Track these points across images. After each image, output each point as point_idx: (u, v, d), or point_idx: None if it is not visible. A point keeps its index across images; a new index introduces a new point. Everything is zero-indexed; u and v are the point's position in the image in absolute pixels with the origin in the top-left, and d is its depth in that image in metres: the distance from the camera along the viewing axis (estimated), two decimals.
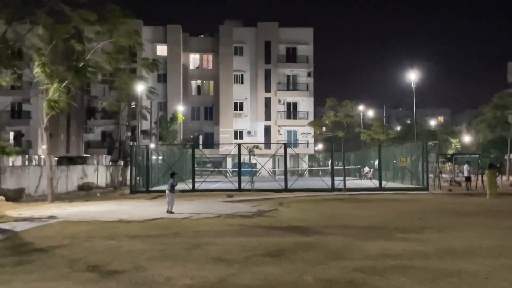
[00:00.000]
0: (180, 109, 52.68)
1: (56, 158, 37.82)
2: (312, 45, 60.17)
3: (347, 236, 10.87)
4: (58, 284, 6.96)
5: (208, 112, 60.83)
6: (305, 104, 59.89)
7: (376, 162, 38.52)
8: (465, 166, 29.57)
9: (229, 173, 45.62)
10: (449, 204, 19.07)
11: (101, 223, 13.49)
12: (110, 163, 38.87)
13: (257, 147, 28.70)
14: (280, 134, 59.22)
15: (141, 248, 9.61)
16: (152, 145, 34.13)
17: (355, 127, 43.61)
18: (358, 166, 43.27)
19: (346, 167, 31.85)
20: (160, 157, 33.86)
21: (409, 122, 76.33)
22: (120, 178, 35.48)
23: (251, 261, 8.15)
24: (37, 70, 18.72)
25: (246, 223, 13.34)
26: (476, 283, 6.71)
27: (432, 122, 75.33)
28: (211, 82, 61.02)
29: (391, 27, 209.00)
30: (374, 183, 30.05)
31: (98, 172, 33.27)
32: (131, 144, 32.21)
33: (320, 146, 65.58)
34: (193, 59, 61.45)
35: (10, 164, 31.36)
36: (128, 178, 30.82)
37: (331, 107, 31.38)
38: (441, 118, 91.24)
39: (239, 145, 28.62)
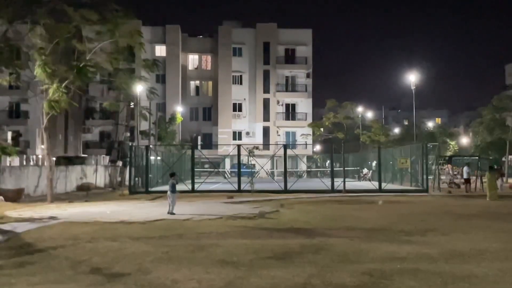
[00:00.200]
0: (179, 109, 52.55)
1: (54, 158, 37.64)
2: (311, 46, 60.20)
3: (352, 238, 10.81)
4: (63, 287, 6.87)
5: (207, 112, 60.76)
6: (304, 105, 59.89)
7: (374, 164, 38.62)
8: (465, 168, 29.54)
9: (228, 174, 45.52)
10: (450, 206, 19.04)
11: (103, 224, 13.39)
12: (109, 164, 38.72)
13: (257, 148, 28.64)
14: (279, 135, 59.21)
15: (144, 250, 9.52)
16: (151, 146, 33.99)
17: (354, 129, 43.59)
18: (357, 168, 43.26)
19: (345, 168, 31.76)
20: (159, 158, 33.75)
21: (406, 124, 76.45)
22: (119, 179, 35.35)
23: (257, 264, 8.07)
24: (38, 70, 18.61)
25: (249, 225, 13.26)
26: (486, 287, 6.65)
27: (430, 124, 75.43)
28: (210, 83, 60.95)
29: (389, 29, 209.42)
30: (374, 184, 30.01)
31: (97, 173, 33.13)
32: (130, 144, 32.06)
33: (318, 148, 65.50)
34: (192, 60, 61.38)
35: (8, 164, 31.18)
36: (127, 178, 30.71)
37: (331, 109, 31.34)
38: (438, 120, 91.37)
39: (239, 146, 28.55)
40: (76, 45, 20.07)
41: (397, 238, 10.94)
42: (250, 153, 27.70)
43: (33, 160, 39.89)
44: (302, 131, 57.36)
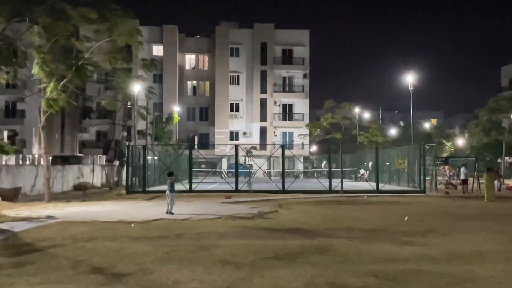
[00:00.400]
0: (176, 109, 52.47)
1: (50, 158, 37.48)
2: (308, 47, 60.18)
3: (352, 239, 10.78)
4: (63, 287, 6.80)
5: (204, 112, 60.67)
6: (301, 105, 59.90)
7: (370, 164, 38.62)
8: (462, 169, 29.59)
9: (224, 174, 45.47)
10: (448, 207, 19.05)
11: (101, 224, 13.31)
12: (106, 163, 38.59)
13: (254, 148, 28.57)
14: (276, 136, 59.19)
15: (144, 250, 9.46)
16: (148, 146, 33.90)
17: (351, 129, 43.57)
18: (354, 168, 43.27)
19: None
20: (156, 158, 33.65)
21: (402, 124, 76.61)
22: (116, 178, 35.23)
23: (259, 265, 8.02)
24: (35, 68, 18.49)
25: (248, 225, 13.21)
26: None
27: (426, 125, 75.63)
28: (207, 83, 60.87)
29: (385, 30, 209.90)
30: (371, 185, 30.01)
31: (94, 172, 33.00)
32: (127, 144, 31.96)
33: (314, 148, 65.53)
34: (189, 60, 61.27)
35: (4, 163, 30.99)
36: (124, 178, 30.60)
37: (329, 109, 31.29)
38: (434, 121, 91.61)
39: (236, 146, 28.48)
40: (76, 44, 19.94)
41: (398, 239, 10.91)
42: (248, 153, 27.64)
43: (29, 159, 39.68)
44: (299, 132, 57.43)
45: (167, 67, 58.31)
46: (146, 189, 27.73)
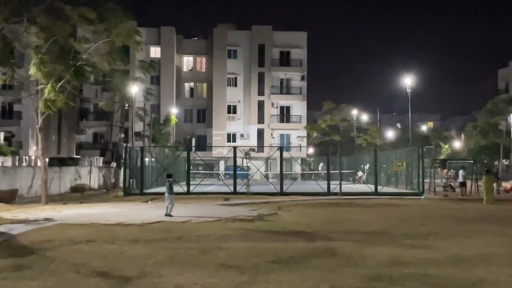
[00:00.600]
0: (173, 111, 52.29)
1: (47, 159, 37.28)
2: (306, 49, 60.12)
3: (354, 242, 10.67)
4: None
5: (201, 114, 60.49)
6: (298, 107, 59.73)
7: (367, 166, 38.58)
8: (460, 172, 29.53)
9: (222, 176, 45.32)
10: (447, 210, 18.96)
11: (99, 226, 13.17)
12: (103, 165, 38.41)
13: (253, 150, 28.45)
14: (273, 138, 59.03)
15: (144, 252, 9.33)
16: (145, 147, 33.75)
17: (350, 131, 43.51)
18: (352, 170, 43.21)
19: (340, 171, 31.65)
20: (153, 160, 33.49)
21: (399, 127, 76.62)
22: (113, 180, 35.05)
23: (262, 268, 7.90)
24: (33, 69, 18.31)
25: (248, 227, 13.08)
26: None
27: (423, 128, 75.72)
28: (205, 85, 60.73)
29: (383, 33, 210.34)
30: (370, 187, 29.92)
31: (91, 174, 32.80)
32: (124, 146, 31.80)
33: (311, 150, 65.45)
34: (187, 62, 61.13)
35: (0, 164, 30.79)
36: (121, 180, 30.41)
37: (327, 111, 31.24)
38: (431, 124, 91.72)
39: (235, 148, 28.34)
40: (74, 44, 19.79)
41: (400, 242, 10.81)
42: (246, 155, 27.52)
43: (26, 161, 39.47)
44: (297, 134, 57.37)
45: (164, 68, 58.15)
46: (144, 191, 27.57)
